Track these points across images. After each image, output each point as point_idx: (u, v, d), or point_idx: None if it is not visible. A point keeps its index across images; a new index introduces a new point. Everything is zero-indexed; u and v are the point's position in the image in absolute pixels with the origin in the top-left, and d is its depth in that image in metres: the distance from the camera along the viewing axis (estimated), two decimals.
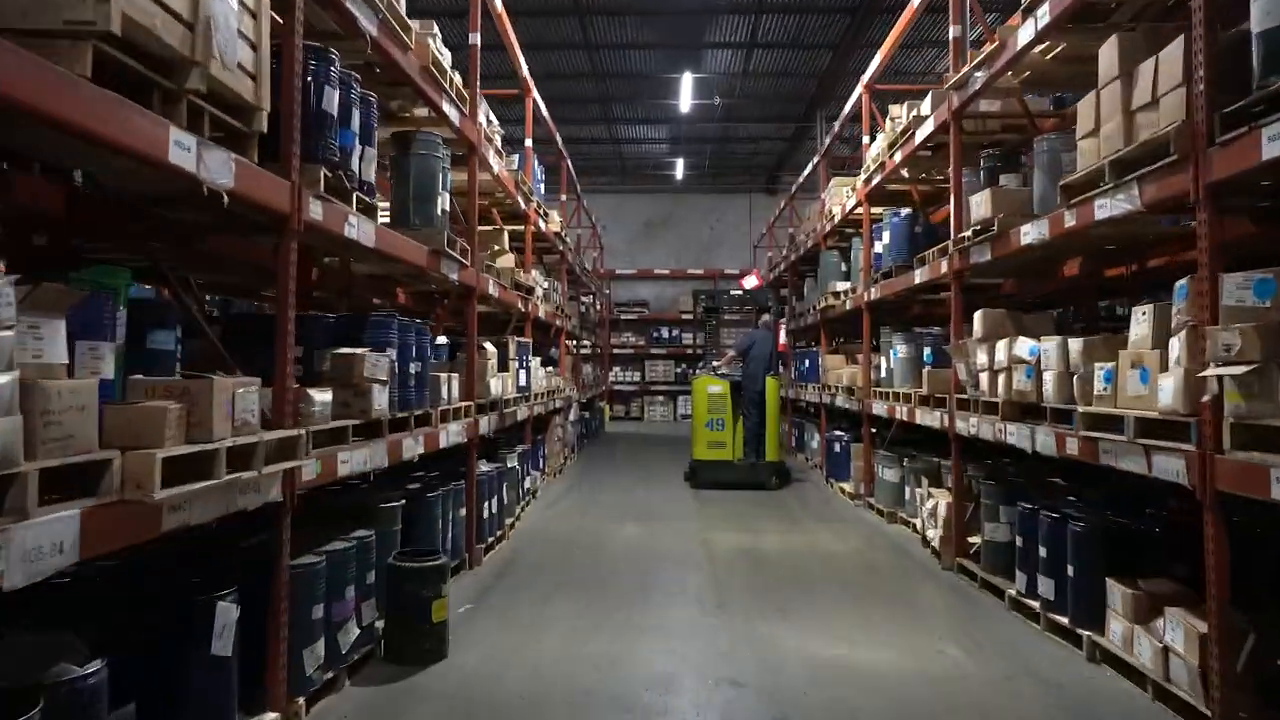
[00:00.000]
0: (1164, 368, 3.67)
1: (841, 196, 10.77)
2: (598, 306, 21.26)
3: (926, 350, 7.18)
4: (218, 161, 2.87)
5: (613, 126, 20.29)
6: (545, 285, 10.75)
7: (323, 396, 3.80)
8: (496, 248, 8.18)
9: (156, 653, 2.84)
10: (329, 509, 4.69)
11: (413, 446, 4.93)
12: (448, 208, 5.82)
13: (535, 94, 9.65)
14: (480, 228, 9.39)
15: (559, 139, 11.95)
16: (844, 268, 11.37)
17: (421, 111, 6.20)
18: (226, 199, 2.94)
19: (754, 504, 9.50)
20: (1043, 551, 4.80)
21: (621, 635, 4.83)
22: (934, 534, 6.61)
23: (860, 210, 9.60)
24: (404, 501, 4.91)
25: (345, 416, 4.22)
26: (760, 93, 17.87)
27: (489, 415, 6.92)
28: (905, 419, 7.54)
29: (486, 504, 6.73)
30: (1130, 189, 3.81)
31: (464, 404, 6.20)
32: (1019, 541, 5.13)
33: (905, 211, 8.14)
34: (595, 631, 4.89)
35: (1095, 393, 4.20)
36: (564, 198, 12.60)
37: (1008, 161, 6.03)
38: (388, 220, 5.56)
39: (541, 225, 10.14)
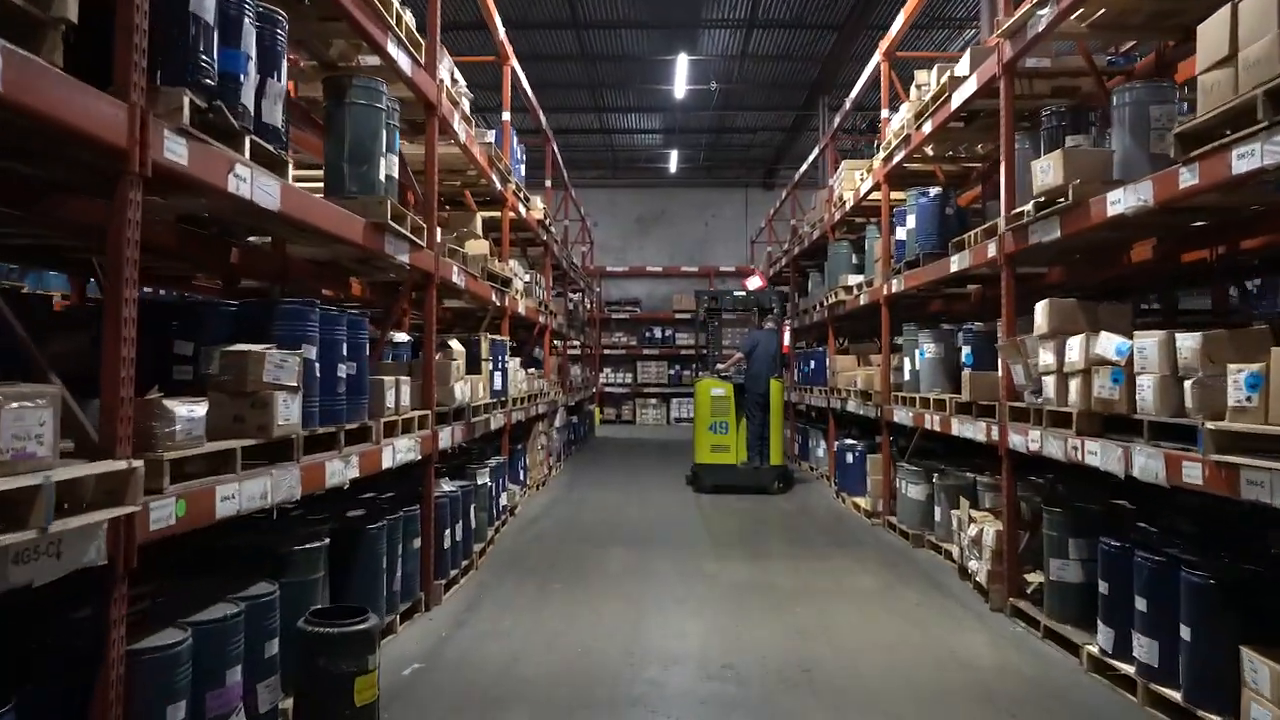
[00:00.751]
0: None
1: (853, 181, 9.76)
2: (587, 305, 20.22)
3: (965, 350, 6.16)
4: None
5: (603, 115, 19.27)
6: (526, 278, 9.70)
7: (189, 410, 2.75)
8: (465, 230, 7.14)
9: None
10: (229, 553, 3.65)
11: (341, 470, 3.89)
12: (395, 174, 4.77)
13: (514, 61, 8.61)
14: (452, 213, 8.37)
15: (543, 118, 10.90)
16: (855, 260, 10.37)
17: (370, 61, 5.16)
18: None
19: (761, 523, 8.48)
20: (1141, 604, 3.78)
21: (610, 715, 3.79)
22: (977, 566, 5.60)
23: (877, 194, 8.58)
24: (328, 541, 3.85)
25: (238, 434, 3.18)
26: (759, 78, 16.87)
27: (452, 426, 5.87)
28: (938, 429, 6.52)
29: (448, 531, 5.68)
30: None
31: (418, 413, 5.16)
32: (1104, 587, 4.11)
33: (935, 191, 7.13)
34: (577, 707, 3.85)
35: (1231, 404, 3.18)
36: (548, 183, 11.55)
37: (1075, 120, 5.02)
38: (321, 190, 4.52)
39: (522, 211, 9.10)
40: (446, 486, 5.90)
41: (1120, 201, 3.92)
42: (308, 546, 3.68)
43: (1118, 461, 3.89)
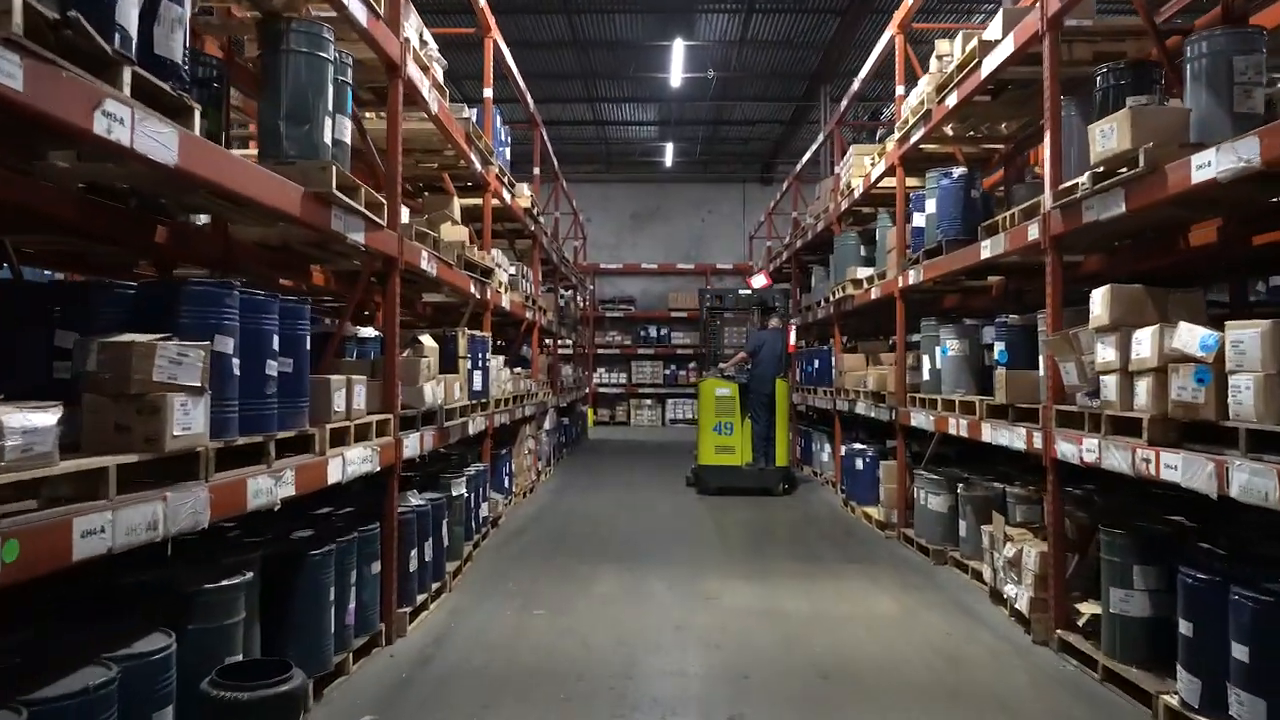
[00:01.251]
0: None
1: (863, 167, 9.09)
2: (580, 302, 19.55)
3: (998, 346, 5.50)
4: None
5: (596, 106, 18.60)
6: (511, 271, 9.02)
7: (26, 419, 2.07)
8: (441, 212, 6.46)
9: None
10: (126, 594, 2.96)
11: (269, 488, 3.21)
12: (346, 140, 4.10)
13: (496, 34, 7.93)
14: (429, 198, 7.70)
15: (529, 100, 10.21)
16: (864, 252, 9.73)
17: (324, 13, 4.49)
18: None
19: (765, 536, 7.82)
20: (1240, 652, 3.12)
21: None
22: (1015, 591, 4.93)
23: (891, 180, 7.93)
24: (251, 575, 3.16)
25: (122, 448, 2.50)
26: (758, 66, 16.22)
27: (420, 431, 5.20)
28: (964, 435, 5.86)
29: (415, 551, 5.00)
30: None
31: (377, 418, 4.48)
32: (1186, 628, 3.44)
33: (959, 172, 6.46)
34: None
35: None
36: (537, 171, 10.87)
37: (1136, 80, 4.35)
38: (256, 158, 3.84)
39: (506, 197, 8.42)
40: (414, 500, 5.22)
41: (1211, 164, 3.25)
42: (223, 584, 3.00)
43: (1208, 479, 3.23)
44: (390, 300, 4.77)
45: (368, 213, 4.16)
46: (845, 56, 15.26)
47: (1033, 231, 4.78)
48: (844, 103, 10.33)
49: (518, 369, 9.78)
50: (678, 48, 14.52)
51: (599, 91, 17.77)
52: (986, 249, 5.47)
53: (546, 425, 11.64)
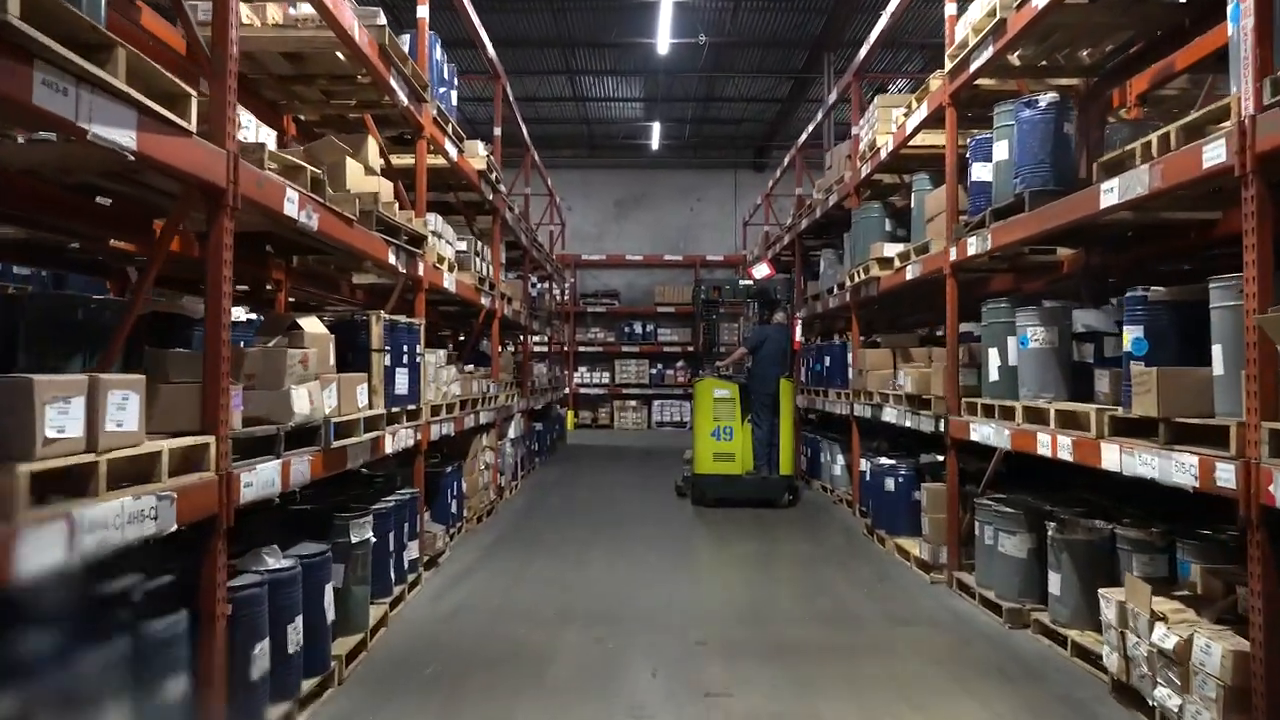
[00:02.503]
0: None
1: (892, 121, 7.43)
2: (558, 295, 17.85)
3: (1131, 333, 3.80)
4: None
5: (576, 79, 16.86)
6: (460, 246, 7.31)
7: None
8: (330, 141, 4.70)
9: None
10: None
11: None
12: None
13: None
14: (343, 137, 5.96)
15: (488, 45, 8.44)
16: (889, 227, 8.08)
17: None
18: None
19: (777, 581, 6.15)
20: None
21: None
22: (1179, 704, 3.26)
23: (933, 134, 6.29)
24: None
25: None
26: (755, 31, 14.54)
27: (283, 458, 3.46)
28: (1068, 458, 4.18)
29: (264, 644, 3.27)
30: None
31: (179, 443, 2.76)
32: None
33: (1047, 99, 4.75)
34: None
35: None
36: (498, 131, 9.11)
37: None
38: None
39: (451, 152, 6.69)
40: (271, 561, 3.49)
41: None
42: None
43: None
44: (214, 257, 3.03)
45: (142, 98, 2.44)
46: (852, 21, 13.65)
47: (1212, 154, 3.09)
48: (864, 49, 8.62)
49: (471, 366, 8.08)
50: (665, 6, 12.83)
51: (578, 62, 16.06)
52: (1111, 193, 3.78)
53: (511, 433, 9.92)
